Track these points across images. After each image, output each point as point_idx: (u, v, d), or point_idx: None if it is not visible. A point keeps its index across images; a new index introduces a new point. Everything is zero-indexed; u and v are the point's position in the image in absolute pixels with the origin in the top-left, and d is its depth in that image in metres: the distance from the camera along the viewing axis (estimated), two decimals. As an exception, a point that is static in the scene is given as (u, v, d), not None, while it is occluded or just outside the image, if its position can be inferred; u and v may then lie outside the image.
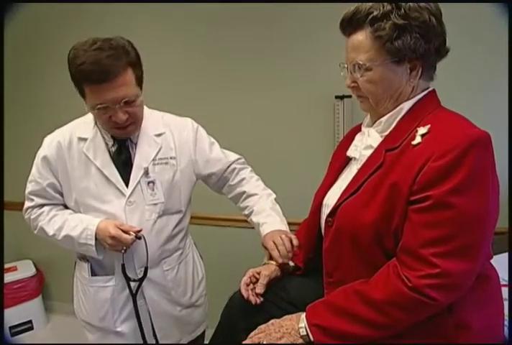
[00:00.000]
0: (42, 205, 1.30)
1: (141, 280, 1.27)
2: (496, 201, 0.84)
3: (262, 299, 1.05)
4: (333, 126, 1.80)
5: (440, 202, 0.79)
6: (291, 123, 1.90)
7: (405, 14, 0.85)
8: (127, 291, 1.28)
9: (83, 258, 1.34)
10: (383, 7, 0.86)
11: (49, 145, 1.27)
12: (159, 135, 1.29)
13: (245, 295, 1.04)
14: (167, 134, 1.30)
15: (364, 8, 0.87)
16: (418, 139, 0.85)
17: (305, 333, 0.88)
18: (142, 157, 1.26)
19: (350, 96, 1.71)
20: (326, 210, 0.99)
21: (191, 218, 1.44)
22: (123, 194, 1.24)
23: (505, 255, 1.29)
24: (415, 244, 0.81)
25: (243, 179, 1.39)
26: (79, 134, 1.26)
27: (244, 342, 0.93)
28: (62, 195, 1.29)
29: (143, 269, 1.26)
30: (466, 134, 0.80)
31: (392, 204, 0.84)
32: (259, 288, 1.05)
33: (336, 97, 1.75)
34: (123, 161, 1.25)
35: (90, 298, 1.32)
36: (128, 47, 1.14)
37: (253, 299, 1.04)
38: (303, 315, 0.91)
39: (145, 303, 1.32)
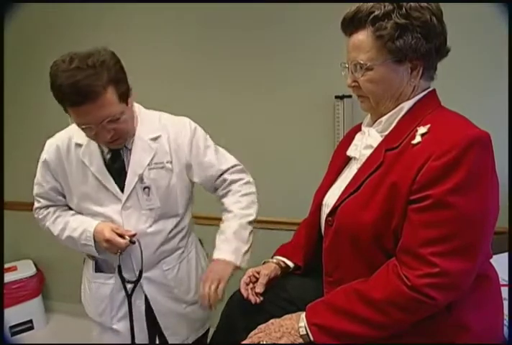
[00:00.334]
0: (47, 207, 1.35)
1: (136, 282, 1.29)
2: (496, 201, 0.84)
3: (261, 298, 1.05)
4: (333, 126, 1.80)
5: (439, 201, 0.79)
6: (291, 123, 1.91)
7: (406, 14, 0.85)
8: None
9: (90, 255, 1.37)
10: (385, 7, 0.86)
11: (49, 149, 1.29)
12: (154, 139, 1.27)
13: (245, 295, 1.05)
14: (163, 137, 1.28)
15: (365, 8, 0.87)
16: (418, 139, 0.85)
17: (304, 332, 0.88)
18: (136, 164, 1.25)
19: (350, 96, 1.72)
20: (326, 210, 1.00)
21: (196, 218, 1.44)
22: (119, 199, 1.25)
23: (505, 255, 1.29)
24: (414, 243, 0.81)
25: (229, 191, 1.35)
26: (75, 140, 1.27)
27: (243, 342, 0.93)
28: (65, 197, 1.33)
29: (138, 271, 1.28)
30: (466, 133, 0.80)
31: (392, 203, 0.84)
32: (259, 287, 1.06)
33: (336, 97, 1.75)
34: (117, 168, 1.26)
35: (92, 293, 1.36)
36: (109, 62, 1.08)
37: (253, 298, 1.04)
38: (303, 314, 0.91)
39: (144, 303, 1.33)
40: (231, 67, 1.97)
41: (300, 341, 0.88)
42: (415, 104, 0.92)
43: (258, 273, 1.10)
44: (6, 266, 2.45)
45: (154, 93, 2.10)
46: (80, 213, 1.31)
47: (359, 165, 0.96)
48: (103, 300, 1.34)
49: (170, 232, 1.32)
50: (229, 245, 1.24)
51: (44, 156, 1.29)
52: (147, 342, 1.35)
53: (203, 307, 1.29)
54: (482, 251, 0.83)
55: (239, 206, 1.32)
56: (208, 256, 1.50)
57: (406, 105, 0.92)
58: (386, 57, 0.88)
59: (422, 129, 0.86)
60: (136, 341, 1.32)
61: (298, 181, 1.90)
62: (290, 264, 1.14)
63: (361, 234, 0.88)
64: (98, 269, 1.36)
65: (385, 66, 0.88)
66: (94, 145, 1.25)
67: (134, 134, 1.25)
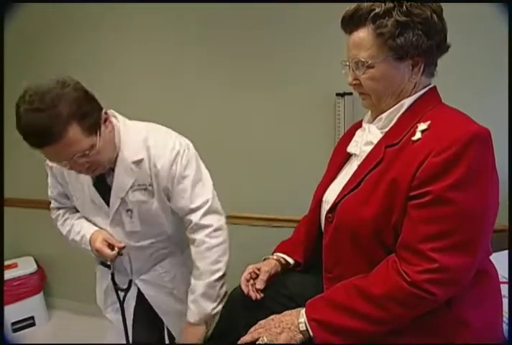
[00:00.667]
0: (58, 208, 1.41)
1: (126, 291, 1.34)
2: (496, 197, 0.84)
3: (262, 294, 1.06)
4: (334, 123, 1.80)
5: (439, 197, 0.79)
6: (292, 121, 1.91)
7: (407, 11, 0.85)
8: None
9: None
10: (385, 4, 0.86)
11: None
12: (137, 162, 1.21)
13: (245, 291, 1.05)
14: (145, 161, 1.22)
15: (366, 6, 0.88)
16: (418, 135, 0.85)
17: (304, 328, 0.88)
18: (119, 187, 1.23)
19: (351, 94, 1.71)
20: (326, 206, 1.00)
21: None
22: (107, 215, 1.28)
23: (505, 253, 1.29)
24: (414, 239, 0.81)
25: (195, 240, 1.25)
26: None
27: (243, 337, 0.93)
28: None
29: (127, 281, 1.35)
30: (466, 129, 0.81)
31: (392, 200, 0.84)
32: (260, 284, 1.06)
33: (337, 94, 1.75)
34: (104, 188, 1.26)
35: (97, 280, 1.49)
36: (71, 96, 1.01)
37: (253, 294, 1.04)
38: (303, 310, 0.91)
39: (134, 301, 1.39)
40: (231, 67, 1.97)
41: (300, 336, 0.88)
42: (415, 101, 0.92)
43: (258, 269, 1.10)
44: (6, 263, 2.46)
45: (154, 93, 2.11)
46: (83, 216, 1.37)
47: (359, 162, 0.96)
48: (100, 290, 1.45)
49: (159, 249, 1.36)
50: (197, 308, 1.23)
51: (48, 162, 1.28)
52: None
53: None
54: (482, 247, 0.83)
55: (206, 262, 1.24)
56: None
57: (407, 101, 0.93)
58: (387, 55, 0.88)
59: (422, 126, 0.86)
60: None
61: (299, 179, 1.90)
62: (291, 260, 1.14)
63: (361, 230, 0.88)
64: (103, 263, 1.41)
65: (386, 63, 0.89)
66: None
67: (116, 156, 1.20)
